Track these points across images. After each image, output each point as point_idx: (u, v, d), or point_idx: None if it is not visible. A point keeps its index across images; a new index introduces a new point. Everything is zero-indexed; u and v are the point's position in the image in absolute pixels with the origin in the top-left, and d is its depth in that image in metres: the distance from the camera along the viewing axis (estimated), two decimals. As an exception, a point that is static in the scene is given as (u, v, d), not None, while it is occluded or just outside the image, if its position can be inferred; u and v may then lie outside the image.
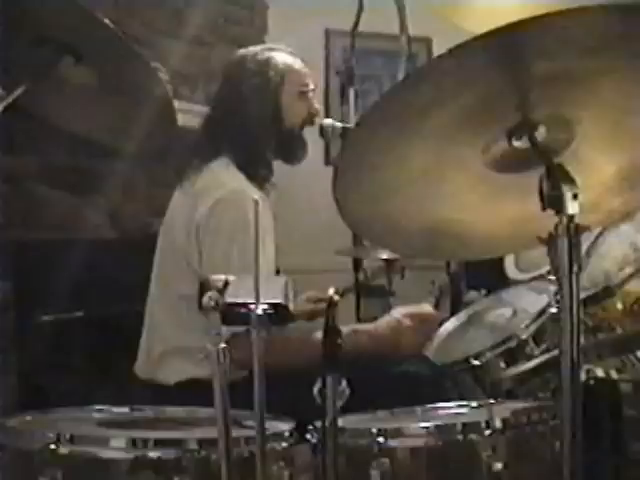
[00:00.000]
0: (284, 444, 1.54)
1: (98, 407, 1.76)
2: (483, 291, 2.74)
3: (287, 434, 1.56)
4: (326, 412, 1.31)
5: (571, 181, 1.30)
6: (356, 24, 3.15)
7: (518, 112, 1.34)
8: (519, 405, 1.77)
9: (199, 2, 3.80)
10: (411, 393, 1.93)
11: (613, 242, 2.25)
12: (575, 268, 1.27)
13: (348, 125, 2.68)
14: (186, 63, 3.71)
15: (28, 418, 1.63)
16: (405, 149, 1.37)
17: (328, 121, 2.59)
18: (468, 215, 1.52)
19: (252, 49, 2.39)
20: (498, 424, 1.56)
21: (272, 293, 1.30)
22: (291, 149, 2.37)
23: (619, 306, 2.15)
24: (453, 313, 2.57)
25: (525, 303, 2.23)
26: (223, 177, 2.23)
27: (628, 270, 2.16)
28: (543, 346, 2.04)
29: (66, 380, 2.84)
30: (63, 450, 1.45)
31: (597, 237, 2.23)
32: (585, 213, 1.30)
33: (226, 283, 1.31)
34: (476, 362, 2.05)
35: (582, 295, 1.30)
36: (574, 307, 1.27)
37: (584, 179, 1.32)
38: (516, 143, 1.38)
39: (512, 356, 2.05)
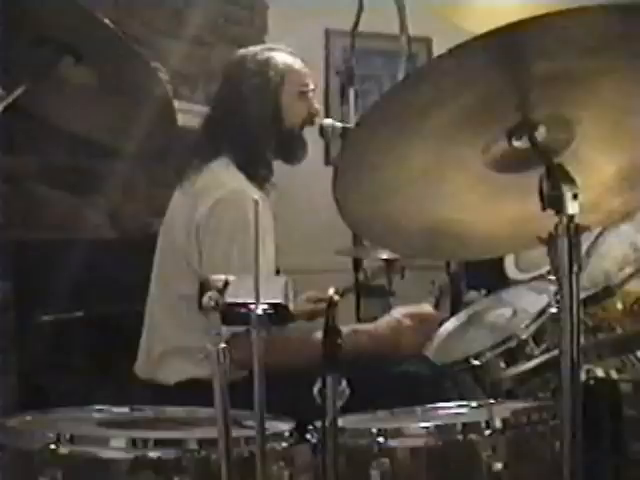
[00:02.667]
0: (284, 444, 1.54)
1: (98, 407, 1.76)
2: (483, 291, 2.74)
3: (287, 434, 1.56)
4: (326, 412, 1.31)
5: (571, 181, 1.30)
6: (356, 24, 3.15)
7: (518, 112, 1.34)
8: (519, 405, 1.77)
9: (199, 2, 3.80)
10: (411, 393, 1.93)
11: (613, 242, 2.25)
12: (575, 268, 1.27)
13: (348, 125, 2.68)
14: (186, 63, 3.71)
15: (28, 418, 1.62)
16: (405, 149, 1.37)
17: (328, 121, 2.59)
18: (468, 215, 1.51)
19: (252, 49, 2.39)
20: (498, 424, 1.55)
21: (272, 293, 1.30)
22: (291, 149, 2.37)
23: (619, 306, 2.14)
24: (453, 313, 2.57)
25: (525, 303, 2.23)
26: (223, 177, 2.23)
27: (628, 270, 2.16)
28: (543, 346, 2.04)
29: (66, 380, 2.84)
30: (63, 450, 1.45)
31: (597, 237, 2.23)
32: (585, 213, 1.30)
33: (226, 283, 1.31)
34: (476, 362, 2.05)
35: (582, 295, 1.30)
36: (574, 307, 1.27)
37: (584, 179, 1.32)
38: (516, 143, 1.38)
39: (512, 356, 2.05)
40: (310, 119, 2.40)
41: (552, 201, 1.29)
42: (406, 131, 1.33)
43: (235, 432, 1.31)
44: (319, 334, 1.32)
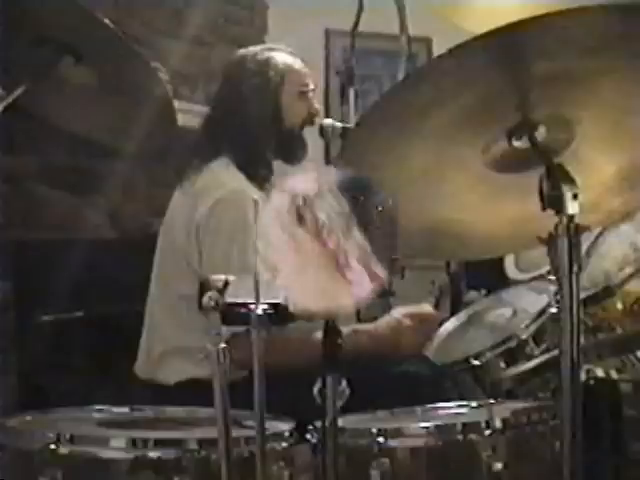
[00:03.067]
0: (284, 444, 1.54)
1: (98, 407, 1.76)
2: (483, 291, 2.74)
3: (287, 434, 1.56)
4: (326, 412, 1.31)
5: (571, 181, 1.30)
6: (356, 24, 3.14)
7: (518, 112, 1.34)
8: (519, 405, 1.77)
9: (199, 2, 3.80)
10: (411, 393, 1.93)
11: (613, 242, 2.25)
12: (575, 268, 1.27)
13: (348, 125, 2.67)
14: (186, 63, 3.71)
15: (28, 418, 1.62)
16: (405, 149, 1.37)
17: (328, 121, 2.59)
18: (468, 215, 1.52)
19: (252, 49, 2.39)
20: (498, 424, 1.55)
21: (272, 293, 1.30)
22: (291, 149, 2.37)
23: (619, 306, 2.15)
24: (453, 313, 2.57)
25: (525, 303, 2.23)
26: (223, 177, 2.23)
27: (628, 270, 2.16)
28: (543, 346, 2.04)
29: (66, 380, 2.83)
30: (63, 450, 1.45)
31: (597, 237, 2.23)
32: (585, 213, 1.30)
33: (226, 283, 1.31)
34: (476, 362, 2.05)
35: (582, 295, 1.30)
36: (574, 307, 1.27)
37: (584, 179, 1.32)
38: (516, 143, 1.38)
39: (512, 356, 2.05)
40: (310, 119, 2.40)
41: (552, 201, 1.29)
42: (406, 131, 1.33)
43: (235, 432, 1.30)
44: (319, 334, 1.31)
